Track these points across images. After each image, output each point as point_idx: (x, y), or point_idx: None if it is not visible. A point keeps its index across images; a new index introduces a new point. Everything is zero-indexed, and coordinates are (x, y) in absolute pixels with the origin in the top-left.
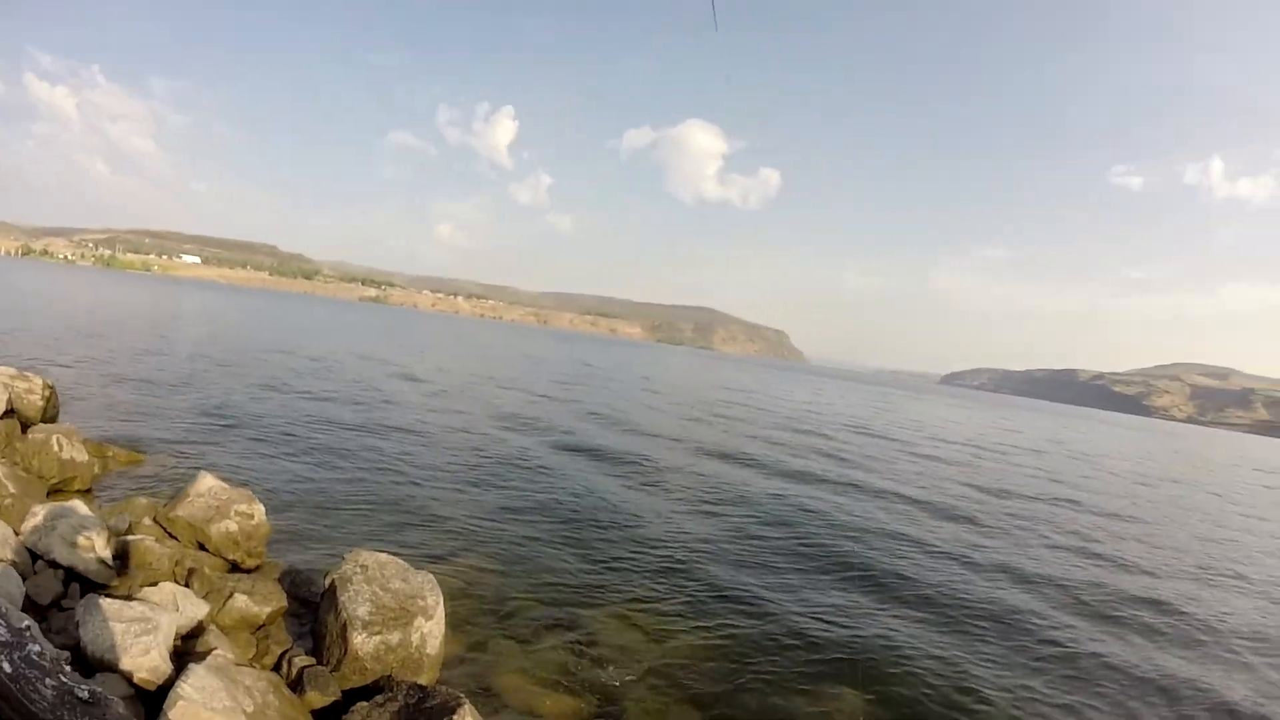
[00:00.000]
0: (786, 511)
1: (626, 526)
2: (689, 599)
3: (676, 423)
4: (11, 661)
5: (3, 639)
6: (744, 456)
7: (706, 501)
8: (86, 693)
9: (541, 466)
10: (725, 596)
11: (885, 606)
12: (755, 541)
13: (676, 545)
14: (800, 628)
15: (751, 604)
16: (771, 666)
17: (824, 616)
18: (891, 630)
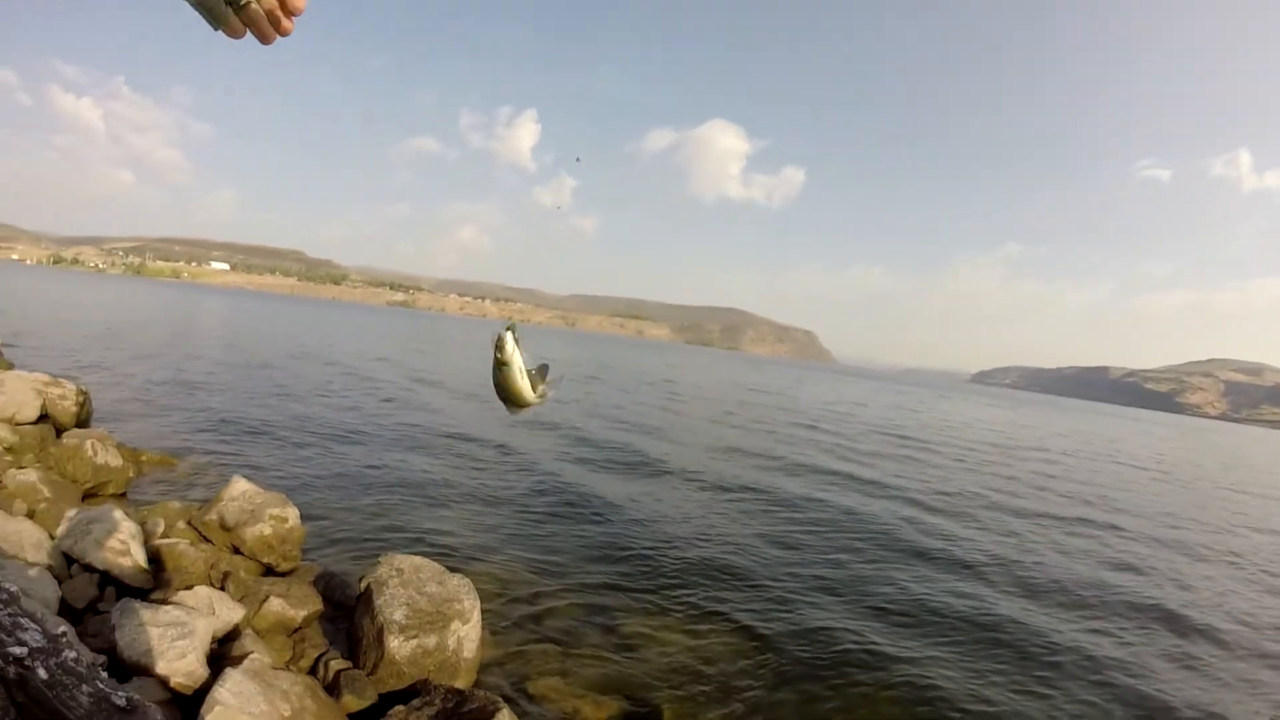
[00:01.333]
0: (829, 517)
1: (661, 529)
2: (729, 603)
3: (704, 426)
4: (48, 668)
5: (39, 645)
6: (778, 461)
7: (742, 505)
8: (124, 699)
9: (570, 470)
10: (766, 601)
11: (936, 623)
12: (796, 547)
13: (714, 548)
14: (850, 634)
15: (795, 609)
16: (817, 674)
17: (876, 620)
18: (940, 650)
